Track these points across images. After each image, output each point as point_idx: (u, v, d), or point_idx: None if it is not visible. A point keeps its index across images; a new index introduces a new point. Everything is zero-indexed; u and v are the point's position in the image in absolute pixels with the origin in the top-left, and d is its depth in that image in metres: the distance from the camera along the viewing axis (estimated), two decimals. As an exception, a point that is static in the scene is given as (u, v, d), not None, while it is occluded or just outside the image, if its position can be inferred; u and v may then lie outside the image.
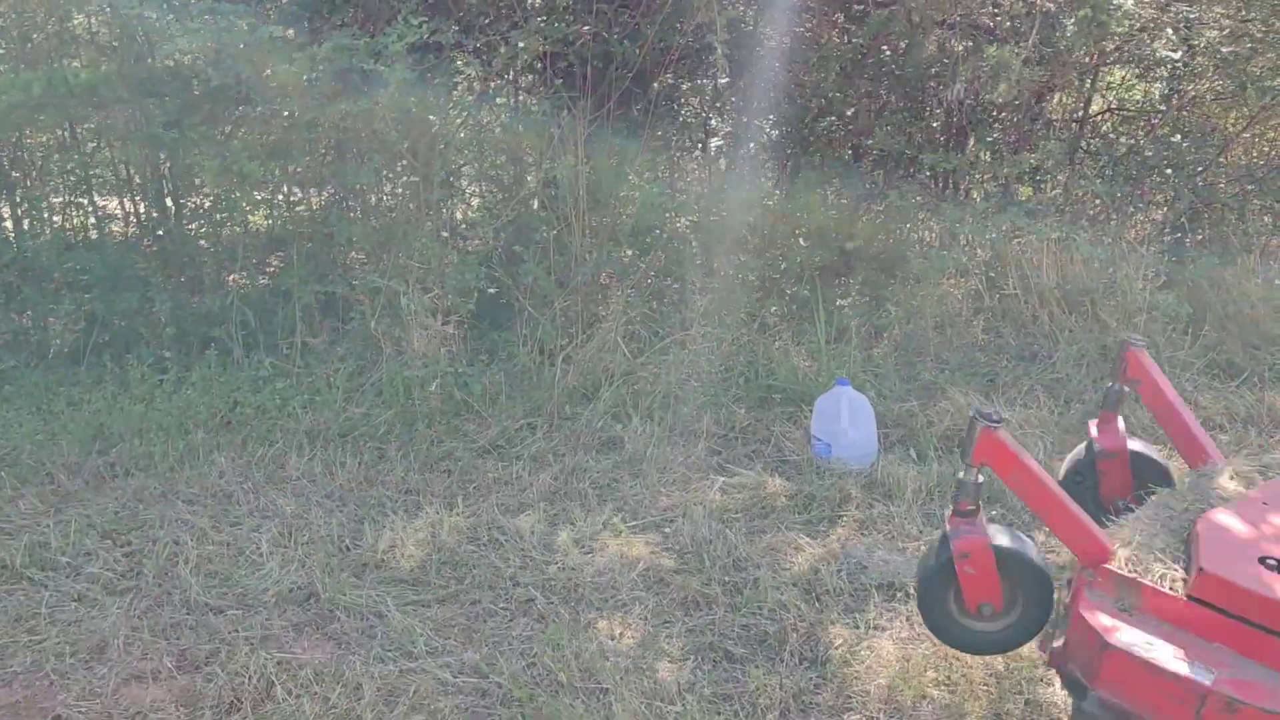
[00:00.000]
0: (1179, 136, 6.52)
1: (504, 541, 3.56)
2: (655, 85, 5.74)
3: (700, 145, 6.59)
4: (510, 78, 5.07)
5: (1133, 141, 6.64)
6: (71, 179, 6.01)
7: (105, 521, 3.65)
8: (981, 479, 2.49)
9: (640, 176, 5.63)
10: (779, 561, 3.45)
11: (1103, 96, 6.97)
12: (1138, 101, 6.98)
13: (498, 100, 5.02)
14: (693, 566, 3.45)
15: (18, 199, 6.35)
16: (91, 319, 5.39)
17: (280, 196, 5.68)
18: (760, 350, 5.18)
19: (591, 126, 5.08)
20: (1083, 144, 6.75)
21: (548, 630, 3.02)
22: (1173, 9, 5.86)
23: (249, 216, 5.48)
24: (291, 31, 4.12)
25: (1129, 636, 2.23)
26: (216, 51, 4.03)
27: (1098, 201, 6.34)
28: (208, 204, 5.86)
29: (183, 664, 2.85)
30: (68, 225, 5.85)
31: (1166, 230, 6.39)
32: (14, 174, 6.27)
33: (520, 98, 5.15)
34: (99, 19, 5.57)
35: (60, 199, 5.91)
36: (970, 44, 5.41)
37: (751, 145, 6.24)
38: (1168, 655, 2.18)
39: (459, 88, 4.80)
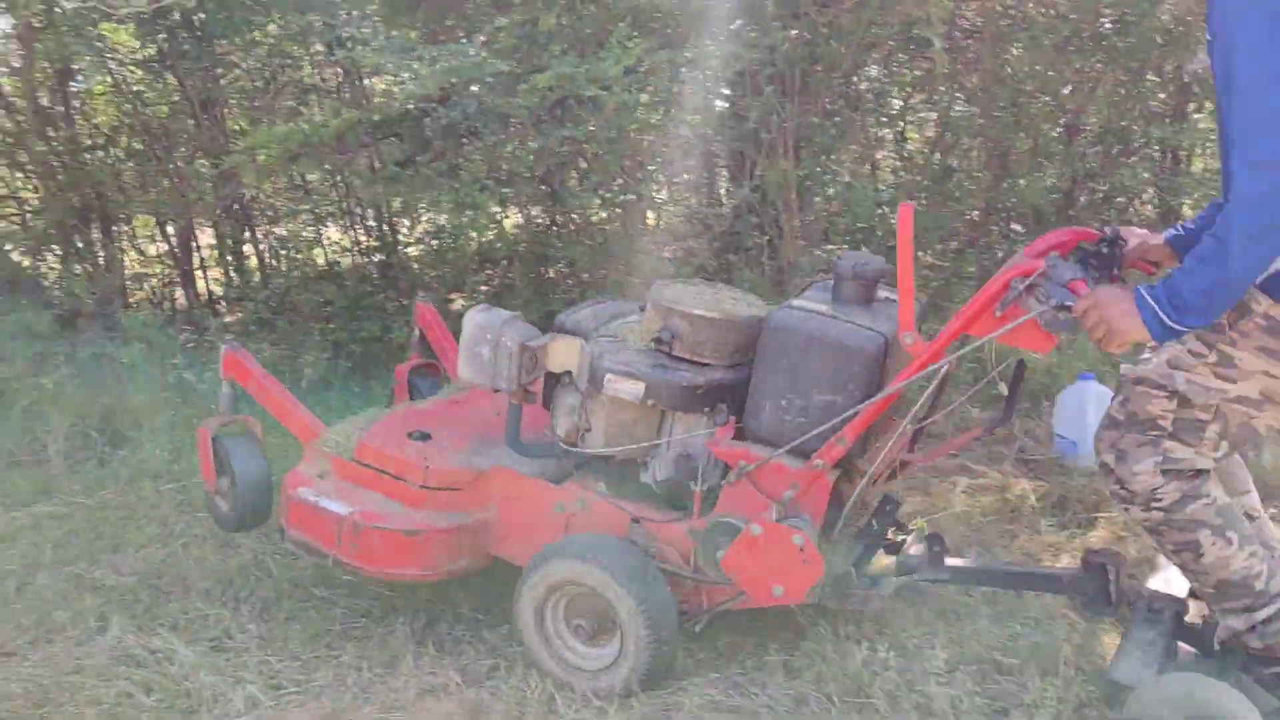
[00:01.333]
0: None
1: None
2: (860, 80, 5.65)
3: (903, 136, 6.45)
4: (717, 88, 5.09)
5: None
6: (304, 217, 6.49)
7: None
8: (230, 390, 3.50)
9: (849, 173, 5.58)
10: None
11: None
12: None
13: (715, 107, 5.06)
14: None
15: (259, 238, 6.93)
16: (336, 348, 5.79)
17: (496, 219, 5.94)
18: (989, 344, 5.00)
19: (800, 129, 5.06)
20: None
21: (807, 644, 3.03)
22: None
23: (474, 240, 5.75)
24: (511, 65, 4.28)
25: (307, 491, 3.15)
26: (447, 91, 4.24)
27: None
28: (430, 230, 6.21)
29: (467, 678, 3.03)
30: (305, 260, 6.30)
31: None
32: (253, 215, 6.84)
33: (728, 106, 5.17)
34: (329, 68, 5.99)
35: (295, 236, 6.38)
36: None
37: (958, 132, 6.06)
38: (326, 499, 3.10)
39: (669, 106, 4.87)
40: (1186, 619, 2.63)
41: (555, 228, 5.84)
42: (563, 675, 2.89)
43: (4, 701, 3.11)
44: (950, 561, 2.93)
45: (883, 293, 2.91)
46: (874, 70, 5.84)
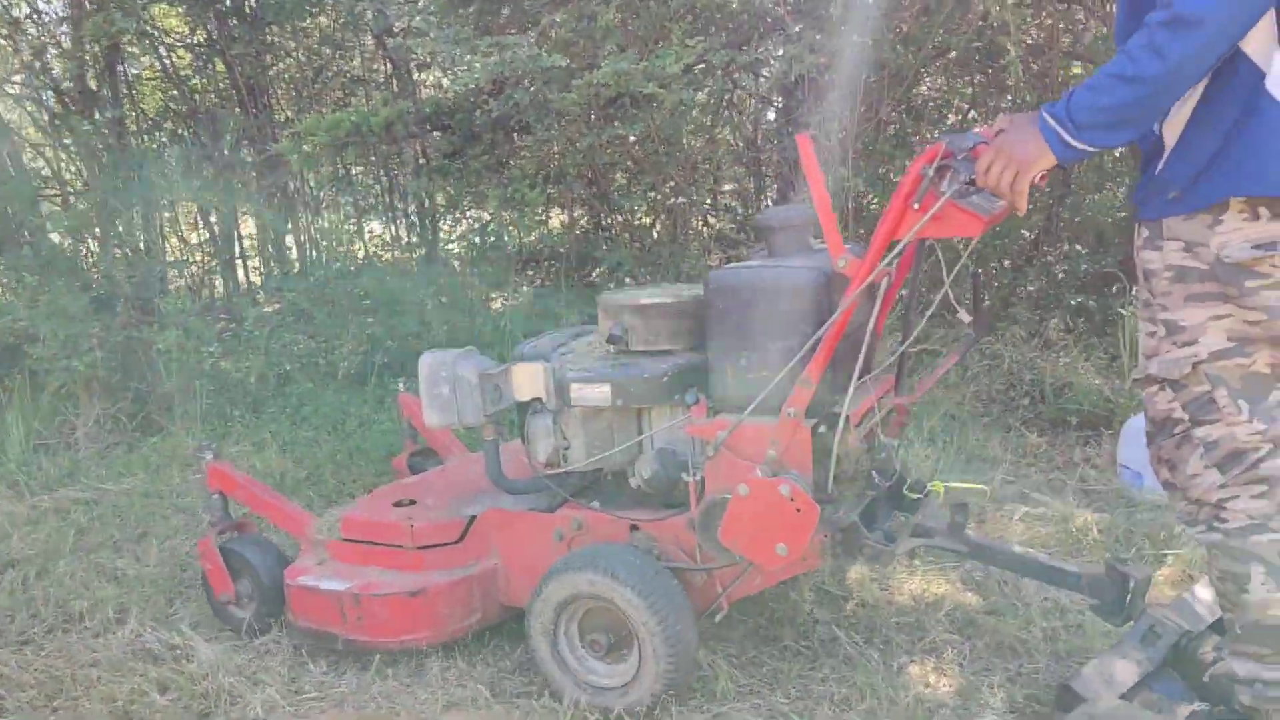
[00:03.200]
0: None
1: (798, 575, 3.43)
2: (924, 88, 5.48)
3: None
4: (774, 93, 4.96)
5: None
6: (347, 210, 6.41)
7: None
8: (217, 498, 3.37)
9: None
10: (1103, 606, 3.15)
11: None
12: None
13: (769, 115, 4.91)
14: (1003, 608, 3.20)
15: (301, 229, 6.86)
16: (374, 341, 5.69)
17: (541, 218, 5.82)
18: (1046, 368, 4.83)
19: (860, 139, 4.90)
20: None
21: (858, 674, 2.86)
22: None
23: (519, 238, 5.64)
24: (566, 60, 4.15)
25: (305, 578, 3.06)
26: (499, 84, 4.13)
27: None
28: (474, 227, 6.11)
29: (496, 693, 2.89)
30: (345, 253, 6.21)
31: None
32: (296, 205, 6.77)
33: (783, 110, 5.03)
34: (377, 59, 5.91)
35: (336, 228, 6.30)
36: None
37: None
38: (325, 581, 3.01)
39: (727, 109, 4.73)
40: (1188, 647, 2.46)
41: (601, 230, 5.72)
42: (592, 699, 2.74)
43: (17, 692, 3.01)
44: (970, 535, 2.78)
45: (815, 244, 2.82)
46: (936, 80, 5.67)
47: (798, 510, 2.44)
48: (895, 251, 2.31)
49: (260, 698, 2.89)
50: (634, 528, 2.82)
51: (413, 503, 3.19)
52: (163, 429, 5.20)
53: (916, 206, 2.24)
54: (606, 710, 2.70)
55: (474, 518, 3.02)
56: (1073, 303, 5.30)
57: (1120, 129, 1.98)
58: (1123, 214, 5.40)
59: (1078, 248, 5.63)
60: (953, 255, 2.68)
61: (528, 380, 2.89)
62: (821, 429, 2.59)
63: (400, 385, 4.06)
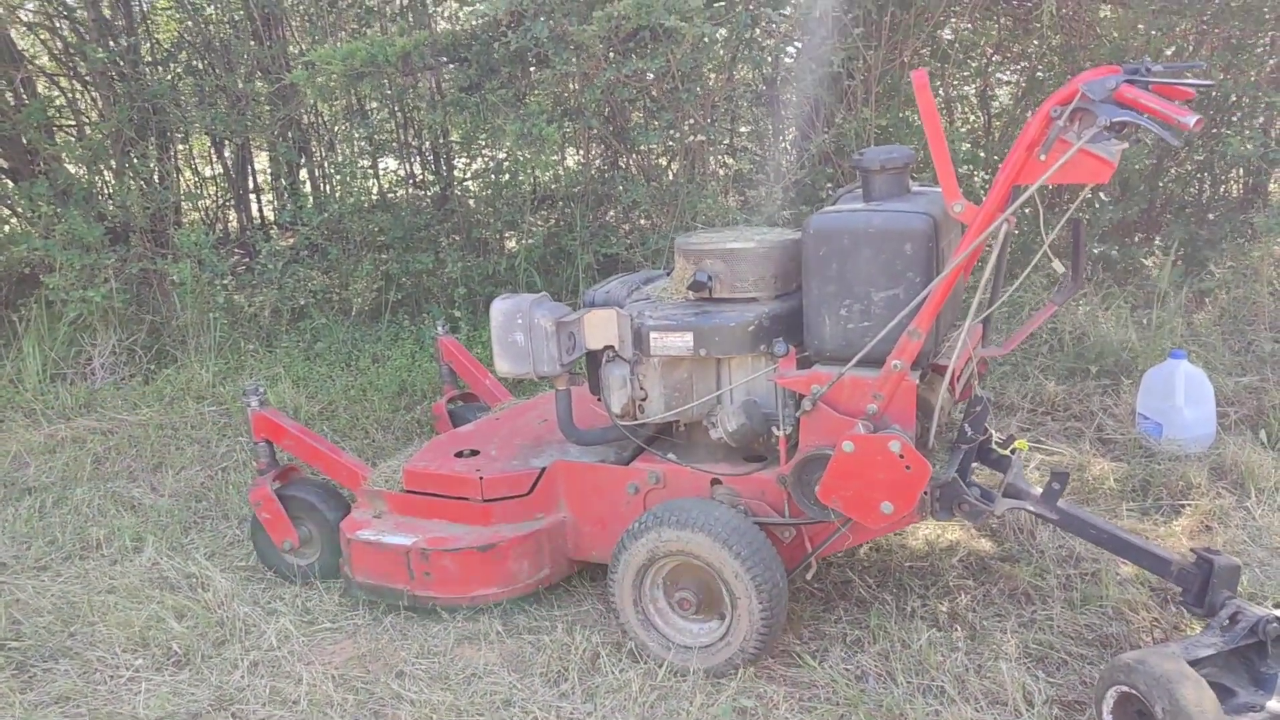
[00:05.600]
0: None
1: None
2: (948, 31, 5.35)
3: (989, 93, 6.13)
4: (796, 31, 4.84)
5: None
6: (361, 144, 6.33)
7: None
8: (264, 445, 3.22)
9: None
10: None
11: None
12: None
13: (789, 50, 4.79)
14: (1018, 554, 3.19)
15: (315, 164, 6.79)
16: (387, 278, 5.66)
17: (557, 156, 5.74)
18: (1065, 316, 4.77)
19: (884, 78, 4.80)
20: None
21: (871, 617, 2.86)
22: None
23: (536, 176, 5.56)
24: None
25: (366, 532, 2.96)
26: (516, 15, 4.04)
27: None
28: (490, 165, 6.03)
29: (509, 629, 2.90)
30: (359, 189, 6.14)
31: None
32: (310, 140, 6.69)
33: (804, 50, 4.91)
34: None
35: (351, 163, 6.22)
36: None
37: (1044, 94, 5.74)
38: (388, 535, 2.93)
39: (747, 47, 4.62)
40: (1267, 630, 2.36)
41: (618, 168, 5.64)
42: (678, 659, 2.65)
43: (34, 617, 3.04)
44: (1063, 505, 2.71)
45: (914, 186, 2.72)
46: (961, 20, 5.52)
47: (908, 468, 2.36)
48: (1021, 199, 2.23)
49: (275, 627, 2.91)
50: (716, 482, 2.73)
51: (475, 453, 3.10)
52: (177, 361, 5.20)
53: (1043, 157, 2.15)
54: (685, 670, 2.63)
55: (544, 470, 2.92)
56: (1095, 251, 5.22)
57: None
58: (1149, 163, 5.29)
59: (1102, 196, 5.52)
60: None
61: (601, 327, 2.79)
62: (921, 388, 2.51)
63: (439, 328, 3.94)
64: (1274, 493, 3.41)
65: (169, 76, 6.15)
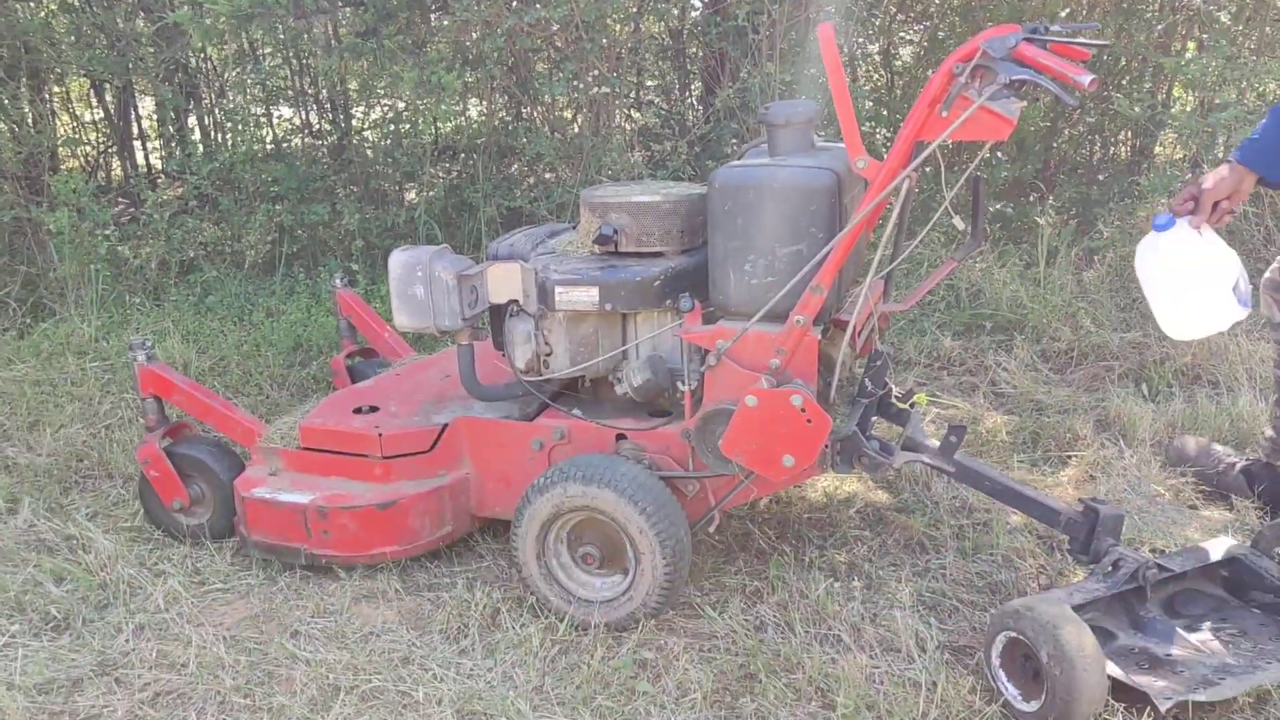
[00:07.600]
0: None
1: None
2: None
3: (891, 52, 6.19)
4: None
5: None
6: (254, 91, 6.09)
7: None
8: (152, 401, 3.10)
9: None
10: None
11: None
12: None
13: (695, 3, 4.74)
14: (912, 505, 3.27)
15: (205, 110, 6.51)
16: (282, 230, 5.47)
17: (458, 106, 5.61)
18: (962, 273, 4.87)
19: (789, 34, 4.78)
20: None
21: (770, 568, 2.89)
22: None
23: (435, 127, 5.42)
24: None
25: (262, 490, 2.88)
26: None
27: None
28: (389, 115, 5.86)
29: (407, 586, 2.85)
30: (253, 138, 5.91)
31: None
32: (199, 85, 6.41)
33: (708, 3, 4.87)
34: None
35: (243, 112, 5.98)
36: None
37: (943, 52, 5.81)
38: (284, 493, 2.85)
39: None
40: (1146, 576, 2.47)
41: (522, 120, 5.54)
42: (580, 614, 2.65)
43: (-100, 583, 2.87)
44: (960, 458, 2.77)
45: (818, 141, 2.73)
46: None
47: (809, 421, 2.39)
48: (923, 155, 2.23)
49: (162, 589, 2.81)
50: (621, 437, 2.72)
51: (375, 409, 3.03)
52: (56, 314, 4.96)
53: (945, 113, 2.15)
54: (585, 624, 2.64)
55: (445, 426, 2.88)
56: (991, 209, 5.33)
57: None
58: (1045, 124, 5.41)
59: (999, 155, 5.64)
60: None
61: (505, 281, 2.73)
62: (823, 343, 2.53)
63: (336, 280, 3.82)
64: (1153, 444, 3.55)
65: (41, 13, 5.79)
